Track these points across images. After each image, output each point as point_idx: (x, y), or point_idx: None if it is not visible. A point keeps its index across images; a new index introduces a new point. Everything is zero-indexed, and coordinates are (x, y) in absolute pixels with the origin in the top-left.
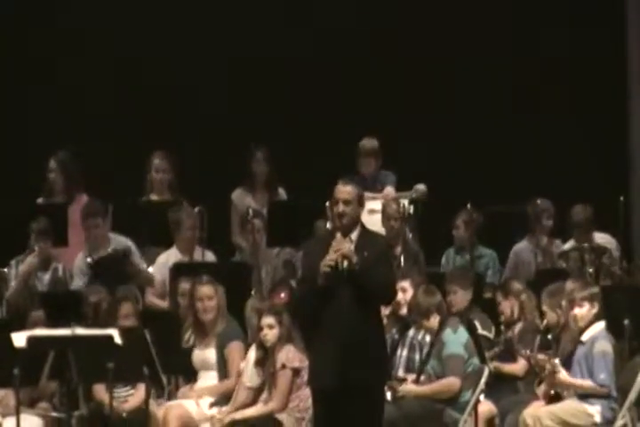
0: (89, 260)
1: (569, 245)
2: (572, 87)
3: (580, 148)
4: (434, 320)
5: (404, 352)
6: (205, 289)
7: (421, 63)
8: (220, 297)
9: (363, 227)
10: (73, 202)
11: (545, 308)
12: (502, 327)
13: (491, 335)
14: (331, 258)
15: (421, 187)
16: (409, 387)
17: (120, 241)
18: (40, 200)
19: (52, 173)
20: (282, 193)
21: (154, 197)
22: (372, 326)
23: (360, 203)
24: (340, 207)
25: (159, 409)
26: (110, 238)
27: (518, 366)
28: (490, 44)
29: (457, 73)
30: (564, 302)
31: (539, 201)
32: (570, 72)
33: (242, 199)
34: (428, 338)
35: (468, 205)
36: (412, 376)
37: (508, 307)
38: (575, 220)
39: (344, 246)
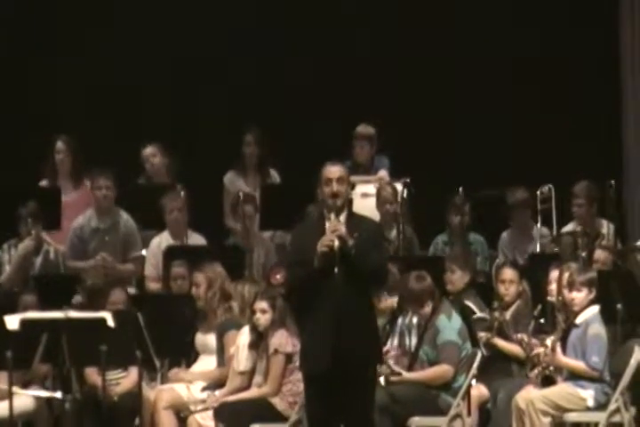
0: None
1: (570, 226)
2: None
3: (571, 135)
4: (428, 309)
5: (395, 341)
6: (202, 275)
7: (421, 54)
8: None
9: (350, 209)
10: (78, 185)
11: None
12: (496, 312)
13: (487, 317)
14: (329, 238)
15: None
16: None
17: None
18: (44, 183)
19: (59, 154)
20: (274, 175)
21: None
22: (365, 307)
23: (349, 182)
24: (335, 187)
25: (151, 393)
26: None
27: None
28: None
29: (456, 63)
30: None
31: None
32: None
33: (233, 182)
34: (415, 320)
35: (460, 190)
36: (404, 360)
37: (502, 291)
38: (577, 195)
39: (340, 227)
